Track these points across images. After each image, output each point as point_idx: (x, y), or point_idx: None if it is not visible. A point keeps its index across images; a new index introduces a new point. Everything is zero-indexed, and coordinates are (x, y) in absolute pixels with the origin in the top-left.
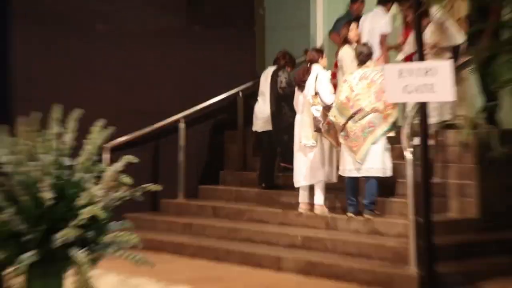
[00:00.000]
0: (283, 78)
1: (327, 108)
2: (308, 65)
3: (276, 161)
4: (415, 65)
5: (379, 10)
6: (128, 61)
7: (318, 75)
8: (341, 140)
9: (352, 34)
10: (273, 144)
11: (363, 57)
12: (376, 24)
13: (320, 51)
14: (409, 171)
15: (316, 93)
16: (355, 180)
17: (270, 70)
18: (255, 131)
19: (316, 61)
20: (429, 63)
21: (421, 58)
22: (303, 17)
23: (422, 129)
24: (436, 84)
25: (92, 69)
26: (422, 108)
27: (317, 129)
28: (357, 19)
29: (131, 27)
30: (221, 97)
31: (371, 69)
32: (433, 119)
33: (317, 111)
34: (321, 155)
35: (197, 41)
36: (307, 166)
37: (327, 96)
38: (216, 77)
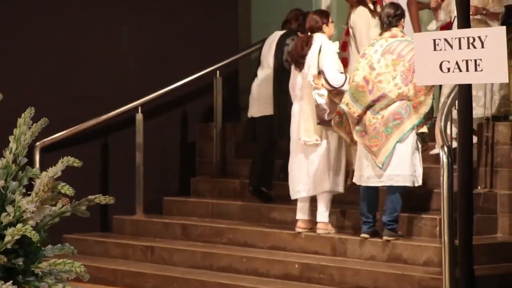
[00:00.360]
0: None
1: (335, 92)
2: (308, 35)
3: (274, 157)
4: (455, 33)
5: None
6: (64, 29)
7: (322, 47)
8: (356, 137)
9: None
10: (273, 134)
11: (391, 21)
12: None
13: (324, 15)
14: (445, 179)
15: (320, 72)
16: (374, 191)
17: (276, 36)
18: (251, 117)
19: (320, 29)
20: (474, 30)
21: (465, 23)
22: None
23: (463, 122)
24: (484, 59)
25: (17, 40)
26: (463, 93)
27: (321, 121)
28: None
29: None
30: (192, 78)
31: (398, 39)
32: (478, 109)
33: (321, 97)
34: (326, 157)
35: (160, 3)
36: (308, 172)
37: (335, 75)
38: (185, 51)
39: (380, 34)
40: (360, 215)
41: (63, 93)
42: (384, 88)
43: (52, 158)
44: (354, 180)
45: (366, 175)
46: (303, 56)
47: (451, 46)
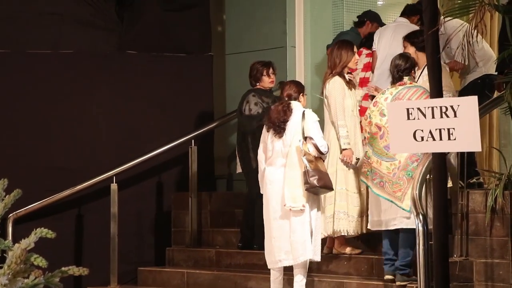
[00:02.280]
0: (252, 105)
1: (319, 158)
2: (287, 101)
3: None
4: (428, 102)
5: (403, 21)
6: (38, 99)
7: (306, 114)
8: (375, 190)
9: (352, 62)
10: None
11: (401, 72)
12: (400, 37)
13: (301, 86)
14: (420, 247)
15: (306, 139)
16: (394, 232)
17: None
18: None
19: (296, 98)
20: (446, 100)
21: (437, 93)
22: (277, 34)
23: (438, 190)
24: (457, 128)
25: None
26: (437, 161)
27: (311, 187)
28: (367, 40)
29: (43, 52)
30: (167, 147)
31: (407, 86)
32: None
33: (310, 163)
34: (309, 224)
35: (134, 71)
36: (291, 240)
37: (323, 142)
38: (160, 121)
39: (392, 83)
40: (383, 255)
41: (37, 164)
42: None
43: (25, 229)
44: (369, 227)
45: (386, 218)
46: (285, 122)
47: (424, 115)
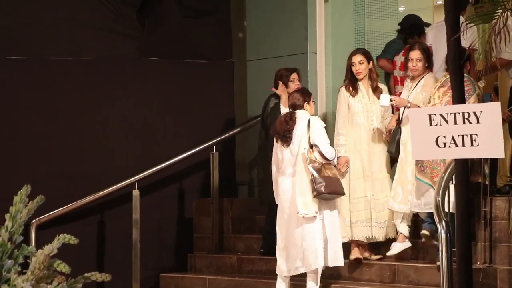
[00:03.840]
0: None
1: (327, 165)
2: (291, 111)
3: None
4: (450, 109)
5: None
6: (60, 105)
7: (311, 122)
8: (417, 174)
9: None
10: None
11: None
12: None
13: (306, 93)
14: (443, 254)
15: (312, 147)
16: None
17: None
18: None
19: (301, 107)
20: (469, 106)
21: (460, 99)
22: (298, 40)
23: (461, 197)
24: (480, 134)
25: (14, 118)
26: (460, 167)
27: (318, 194)
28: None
29: (64, 59)
30: (189, 154)
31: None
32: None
33: (316, 170)
34: (322, 231)
35: (154, 78)
36: (304, 247)
37: (328, 149)
38: (181, 126)
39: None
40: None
41: (60, 170)
42: None
43: (48, 235)
44: (412, 208)
45: (424, 201)
46: (290, 131)
47: (447, 122)
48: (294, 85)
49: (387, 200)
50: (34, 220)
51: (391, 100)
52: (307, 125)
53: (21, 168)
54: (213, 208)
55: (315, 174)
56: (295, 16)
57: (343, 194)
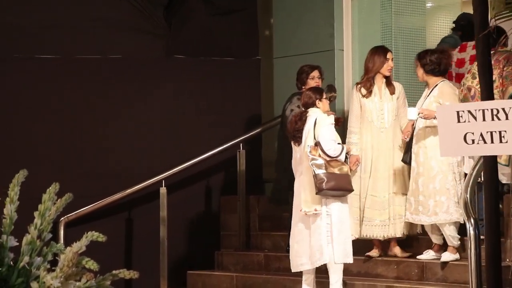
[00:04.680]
0: (294, 106)
1: (332, 161)
2: (303, 110)
3: None
4: (479, 105)
5: None
6: (87, 104)
7: (318, 119)
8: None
9: (384, 68)
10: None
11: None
12: None
13: (318, 91)
14: (472, 251)
15: (316, 144)
16: None
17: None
18: None
19: (313, 105)
20: (498, 102)
21: (488, 95)
22: (324, 38)
23: (489, 194)
24: (509, 131)
25: (40, 115)
26: (488, 164)
27: (319, 191)
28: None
29: (92, 58)
30: (216, 151)
31: (499, 50)
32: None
33: (318, 168)
34: (327, 227)
35: (181, 76)
36: (310, 243)
37: (331, 145)
38: (208, 123)
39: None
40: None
41: (88, 168)
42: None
43: (76, 233)
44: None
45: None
46: (299, 130)
47: (475, 118)
48: (313, 82)
49: (391, 199)
50: (62, 218)
51: (419, 114)
52: (314, 123)
53: (50, 166)
54: (240, 205)
55: (316, 171)
56: (321, 13)
57: (350, 190)
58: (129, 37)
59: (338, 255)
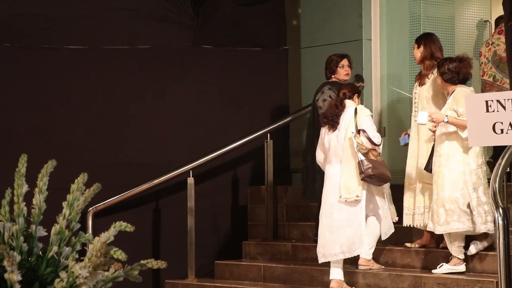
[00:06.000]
0: (326, 96)
1: (373, 150)
2: (341, 98)
3: None
4: (508, 94)
5: None
6: (115, 94)
7: (358, 109)
8: None
9: None
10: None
11: None
12: None
13: (355, 88)
14: (500, 241)
15: (359, 131)
16: None
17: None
18: None
19: (350, 98)
20: None
21: None
22: (352, 28)
23: None
24: None
25: (68, 106)
26: None
27: (367, 177)
28: None
29: (120, 48)
30: (243, 142)
31: None
32: None
33: (363, 154)
34: (363, 216)
35: (208, 66)
36: (350, 232)
37: (376, 133)
38: (235, 114)
39: None
40: None
41: (115, 159)
42: None
43: (104, 223)
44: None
45: None
46: (338, 116)
47: (504, 108)
48: (343, 71)
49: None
50: (90, 208)
51: (428, 118)
52: (354, 112)
53: (78, 157)
54: (268, 195)
55: (362, 157)
56: (349, 2)
57: (390, 178)
58: (157, 28)
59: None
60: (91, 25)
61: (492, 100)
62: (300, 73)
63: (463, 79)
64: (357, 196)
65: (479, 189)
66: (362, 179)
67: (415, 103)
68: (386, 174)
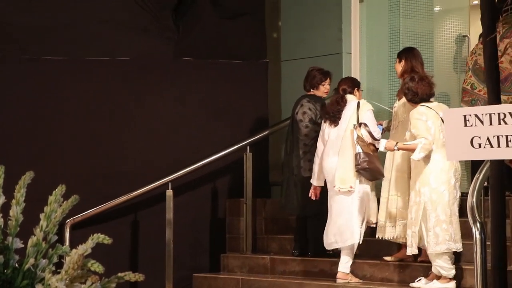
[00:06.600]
0: (306, 109)
1: (371, 144)
2: (342, 94)
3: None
4: (486, 109)
5: None
6: (94, 106)
7: (361, 104)
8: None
9: None
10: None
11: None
12: None
13: (355, 82)
14: (478, 256)
15: (360, 124)
16: None
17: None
18: None
19: (351, 93)
20: (505, 106)
21: (495, 99)
22: (332, 41)
23: (495, 198)
24: None
25: (46, 117)
26: (494, 168)
27: (362, 169)
28: None
29: (100, 60)
30: (222, 154)
31: None
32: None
33: (362, 147)
34: (356, 207)
35: (189, 78)
36: (341, 222)
37: (376, 128)
38: (215, 126)
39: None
40: None
41: (93, 170)
42: (506, 68)
43: (82, 235)
44: None
45: None
46: (340, 111)
47: (482, 122)
48: (324, 88)
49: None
50: (68, 220)
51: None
52: (356, 106)
53: (56, 168)
54: (247, 208)
55: (360, 149)
56: (329, 16)
57: (383, 175)
58: (137, 39)
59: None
60: (71, 35)
61: (470, 115)
62: (280, 86)
63: (422, 99)
64: (351, 187)
65: (437, 208)
66: (357, 171)
67: (394, 117)
68: (380, 170)
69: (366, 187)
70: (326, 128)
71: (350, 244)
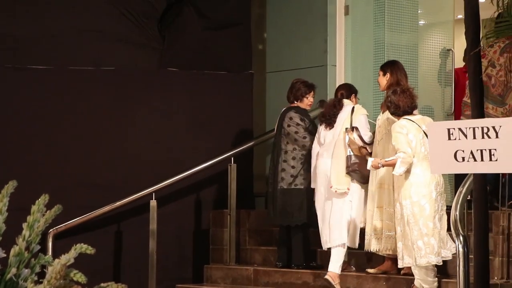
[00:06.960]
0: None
1: (362, 147)
2: (339, 98)
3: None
4: (469, 123)
5: None
6: (78, 115)
7: (355, 108)
8: None
9: None
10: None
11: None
12: None
13: (351, 89)
14: (461, 269)
15: (353, 128)
16: None
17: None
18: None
19: (348, 98)
20: (488, 120)
21: (479, 113)
22: (317, 53)
23: (478, 211)
24: (499, 149)
25: (29, 126)
26: (478, 182)
27: (352, 171)
28: None
29: (84, 69)
30: (206, 165)
31: None
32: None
33: (353, 149)
34: (348, 210)
35: (174, 89)
36: (331, 222)
37: (367, 132)
38: (200, 137)
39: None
40: None
41: (77, 180)
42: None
43: (65, 245)
44: None
45: None
46: (336, 115)
47: (466, 136)
48: (307, 101)
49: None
50: (51, 230)
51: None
52: (351, 111)
53: (39, 178)
54: (230, 219)
55: (351, 152)
56: (315, 28)
57: (367, 181)
58: (122, 49)
59: (349, 241)
60: (55, 45)
61: (454, 128)
62: (265, 98)
63: (405, 111)
64: (348, 189)
65: (419, 221)
66: (347, 173)
67: (378, 130)
68: (367, 174)
69: (361, 191)
70: (322, 131)
71: (339, 243)
